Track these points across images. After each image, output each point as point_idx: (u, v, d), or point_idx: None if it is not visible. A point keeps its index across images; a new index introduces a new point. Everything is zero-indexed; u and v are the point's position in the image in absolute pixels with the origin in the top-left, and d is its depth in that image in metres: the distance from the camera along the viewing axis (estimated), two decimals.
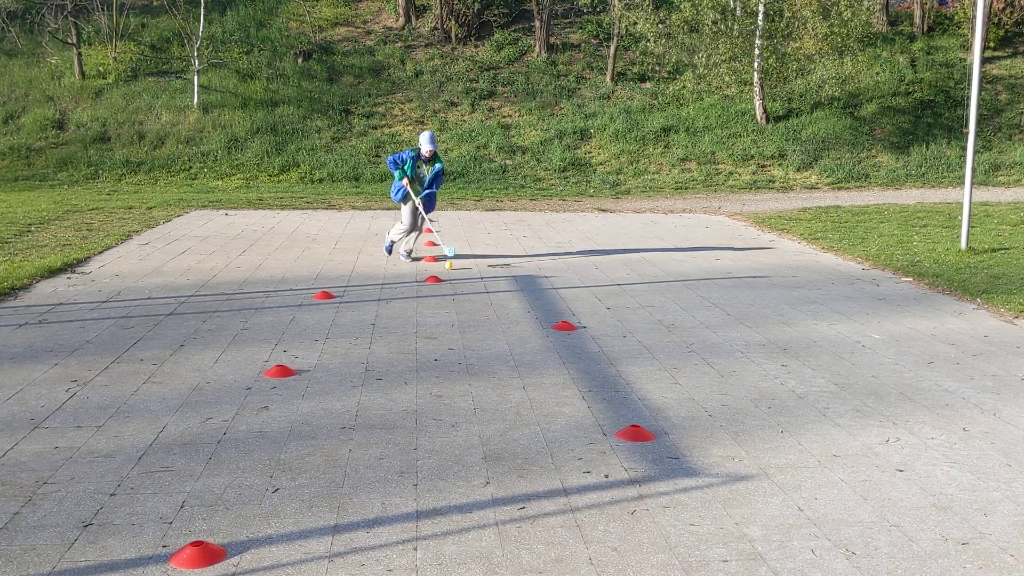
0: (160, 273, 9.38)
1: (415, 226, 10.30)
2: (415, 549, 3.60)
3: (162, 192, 17.59)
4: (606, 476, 4.34)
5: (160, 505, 3.96)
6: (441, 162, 10.33)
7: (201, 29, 22.80)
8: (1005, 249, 11.11)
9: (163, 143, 20.52)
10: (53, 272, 9.26)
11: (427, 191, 10.28)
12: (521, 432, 4.92)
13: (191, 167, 19.70)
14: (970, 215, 11.26)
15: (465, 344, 6.75)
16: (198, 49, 22.09)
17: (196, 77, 21.88)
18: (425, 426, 5.00)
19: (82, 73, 22.67)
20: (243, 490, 4.12)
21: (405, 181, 10.17)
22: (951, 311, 8.06)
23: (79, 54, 22.73)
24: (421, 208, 10.23)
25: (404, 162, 10.17)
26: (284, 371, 5.92)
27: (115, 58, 23.41)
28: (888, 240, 11.88)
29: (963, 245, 11.15)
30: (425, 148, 10.08)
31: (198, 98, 21.74)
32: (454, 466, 4.44)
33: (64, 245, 11.01)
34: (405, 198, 10.24)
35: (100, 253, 10.56)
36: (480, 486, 4.20)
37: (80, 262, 9.93)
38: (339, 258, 10.45)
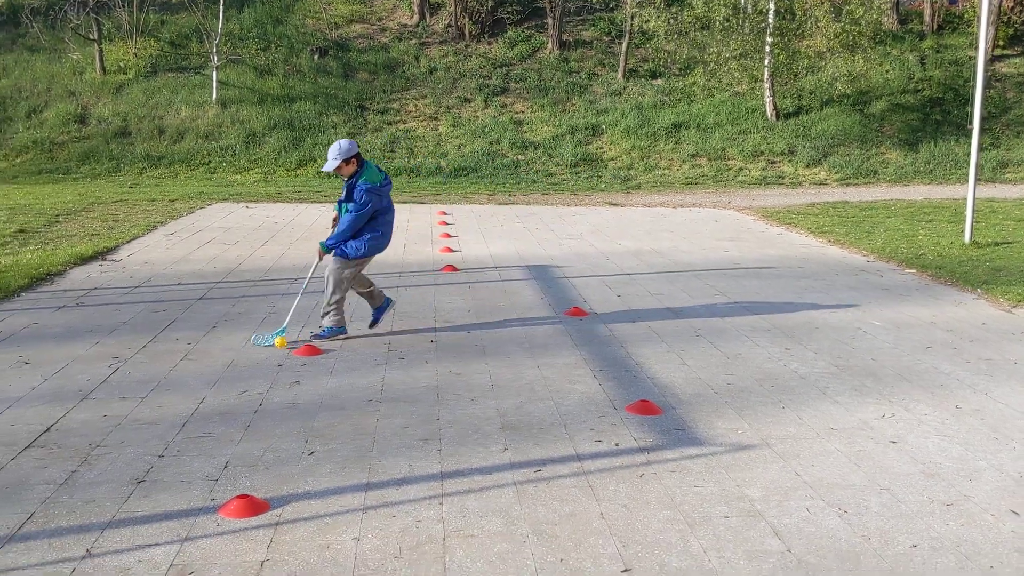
0: (187, 261, 9.73)
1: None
2: (441, 504, 3.92)
3: (182, 185, 17.96)
4: (616, 444, 4.65)
5: (205, 465, 4.29)
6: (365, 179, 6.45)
7: (220, 26, 23.18)
8: (1008, 243, 11.35)
9: (182, 138, 20.90)
10: (85, 260, 9.62)
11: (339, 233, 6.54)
12: (536, 406, 5.23)
13: (210, 161, 20.07)
14: (974, 209, 11.50)
15: (482, 328, 7.06)
16: (216, 46, 22.47)
17: (215, 73, 22.26)
18: (446, 400, 5.32)
19: (103, 69, 23.07)
20: (280, 453, 4.46)
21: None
22: (951, 300, 8.33)
23: (100, 50, 23.14)
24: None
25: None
26: (312, 350, 6.25)
27: (135, 54, 23.82)
28: (894, 234, 12.13)
29: (967, 239, 11.40)
30: (330, 165, 6.41)
31: (216, 94, 22.12)
32: (474, 434, 4.76)
33: (92, 235, 11.38)
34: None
35: (128, 242, 10.93)
36: (499, 452, 4.52)
37: (110, 251, 10.29)
38: None
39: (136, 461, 4.34)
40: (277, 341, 6.38)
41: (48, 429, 4.75)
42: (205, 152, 20.36)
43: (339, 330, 6.68)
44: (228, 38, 24.00)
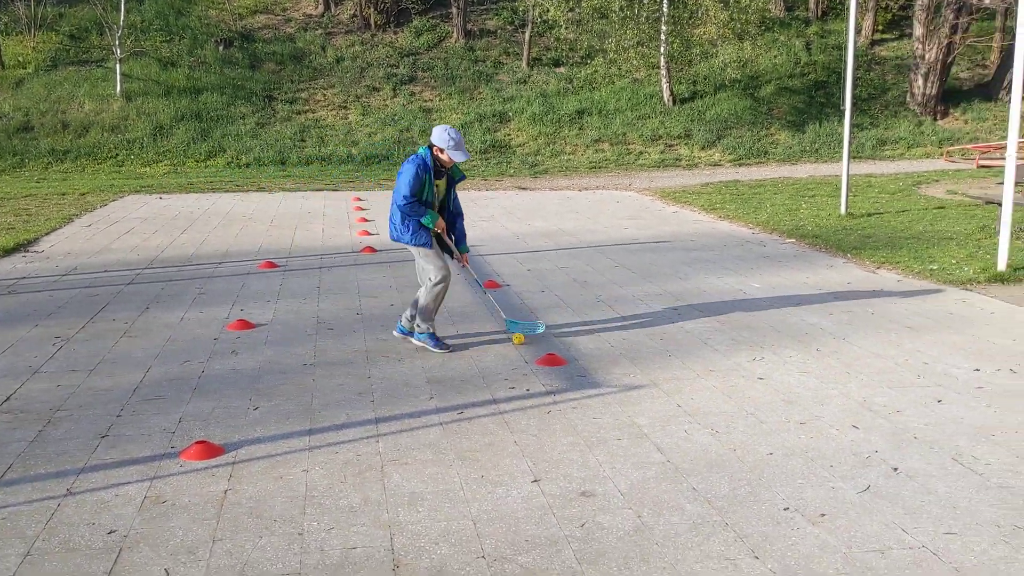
0: (110, 251, 10.02)
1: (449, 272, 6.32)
2: (377, 441, 4.54)
3: (91, 179, 17.91)
4: (527, 390, 5.34)
5: (162, 421, 4.80)
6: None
7: (121, 18, 22.97)
8: (880, 214, 12.50)
9: (87, 132, 20.72)
10: (8, 251, 9.82)
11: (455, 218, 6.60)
12: (457, 364, 5.88)
13: (117, 155, 19.99)
14: (848, 184, 12.63)
15: (404, 301, 7.66)
16: (119, 38, 22.28)
17: (118, 66, 22.08)
18: (375, 362, 5.92)
19: (1, 64, 22.61)
20: (229, 409, 4.99)
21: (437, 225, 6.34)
22: (824, 265, 9.30)
23: None
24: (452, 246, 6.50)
25: (421, 186, 6.09)
26: (245, 324, 6.76)
27: (34, 48, 23.39)
28: (778, 208, 13.18)
29: (842, 211, 12.52)
30: (456, 155, 6.07)
31: (121, 87, 21.96)
32: (403, 388, 5.38)
33: (8, 228, 11.49)
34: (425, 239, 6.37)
35: (47, 234, 11.11)
36: (425, 400, 5.16)
37: (30, 243, 10.48)
38: (276, 234, 11.21)
39: (97, 420, 4.82)
40: (516, 337, 6.30)
41: (8, 399, 5.17)
42: (112, 145, 20.26)
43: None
44: (130, 30, 23.79)
